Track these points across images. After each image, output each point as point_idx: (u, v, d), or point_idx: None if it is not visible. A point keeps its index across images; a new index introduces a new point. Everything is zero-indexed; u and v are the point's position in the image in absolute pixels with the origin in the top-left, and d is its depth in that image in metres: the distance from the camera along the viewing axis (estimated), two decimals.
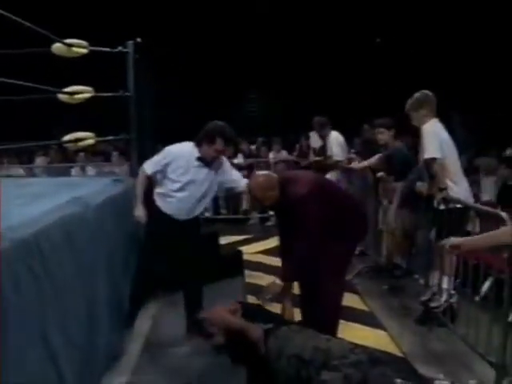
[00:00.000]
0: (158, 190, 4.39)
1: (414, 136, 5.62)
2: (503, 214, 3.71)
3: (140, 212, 4.32)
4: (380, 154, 6.17)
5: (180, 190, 4.27)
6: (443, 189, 4.60)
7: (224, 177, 4.43)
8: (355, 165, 6.97)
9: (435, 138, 4.66)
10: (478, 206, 4.38)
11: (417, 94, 4.92)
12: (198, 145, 4.26)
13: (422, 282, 5.23)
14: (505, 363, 3.46)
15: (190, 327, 4.36)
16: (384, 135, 5.91)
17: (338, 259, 3.83)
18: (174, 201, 4.29)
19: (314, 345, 3.14)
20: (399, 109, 5.20)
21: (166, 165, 4.27)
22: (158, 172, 4.33)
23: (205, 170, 4.29)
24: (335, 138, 7.61)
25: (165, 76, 10.54)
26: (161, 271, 4.53)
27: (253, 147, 10.92)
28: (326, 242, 3.63)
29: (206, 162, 4.26)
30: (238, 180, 4.51)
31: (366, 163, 6.58)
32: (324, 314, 3.72)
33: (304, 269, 3.65)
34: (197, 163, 4.26)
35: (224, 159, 4.45)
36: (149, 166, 4.38)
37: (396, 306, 5.13)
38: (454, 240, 3.04)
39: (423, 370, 3.79)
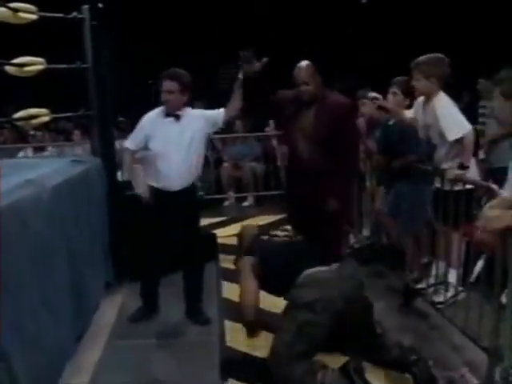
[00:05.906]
0: (144, 166, 4.22)
1: None
2: (494, 186, 3.49)
3: (142, 188, 4.10)
4: None
5: (161, 153, 4.06)
6: (466, 167, 4.11)
7: (203, 118, 4.20)
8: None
9: (458, 114, 4.19)
10: (486, 183, 4.00)
11: (431, 56, 4.23)
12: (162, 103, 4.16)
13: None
14: (498, 348, 3.21)
15: (188, 312, 4.31)
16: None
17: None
18: (159, 168, 4.09)
19: None
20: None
21: (145, 134, 4.12)
22: (140, 144, 4.16)
23: (177, 125, 4.09)
24: None
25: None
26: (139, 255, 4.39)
27: None
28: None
29: (174, 115, 4.09)
30: (218, 112, 4.25)
31: None
32: None
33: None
34: (167, 120, 4.10)
35: (194, 110, 4.30)
36: (130, 142, 4.23)
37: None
38: None
39: None
